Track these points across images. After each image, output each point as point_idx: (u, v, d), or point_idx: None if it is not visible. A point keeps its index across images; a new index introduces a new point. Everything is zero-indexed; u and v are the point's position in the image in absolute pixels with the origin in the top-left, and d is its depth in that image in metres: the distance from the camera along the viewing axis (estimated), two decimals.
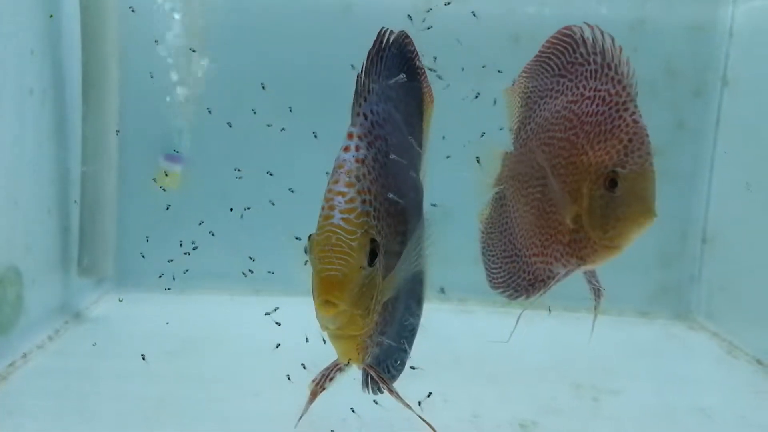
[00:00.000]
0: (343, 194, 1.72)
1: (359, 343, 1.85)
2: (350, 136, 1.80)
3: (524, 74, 2.48)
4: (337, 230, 1.67)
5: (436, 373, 3.10)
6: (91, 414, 2.86)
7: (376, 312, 1.80)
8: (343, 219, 1.69)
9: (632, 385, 3.40)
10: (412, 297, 2.12)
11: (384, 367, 2.08)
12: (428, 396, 2.16)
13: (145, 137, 4.32)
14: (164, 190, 3.84)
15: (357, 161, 1.77)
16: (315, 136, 2.29)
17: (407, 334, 2.15)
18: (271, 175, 2.71)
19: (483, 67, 2.64)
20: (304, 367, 2.10)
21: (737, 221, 4.27)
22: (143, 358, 2.70)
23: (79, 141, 3.92)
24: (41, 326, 3.63)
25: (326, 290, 1.65)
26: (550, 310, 2.47)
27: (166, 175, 4.27)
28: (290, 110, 2.63)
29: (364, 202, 1.73)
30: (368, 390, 2.11)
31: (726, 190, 4.40)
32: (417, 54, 2.15)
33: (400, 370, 2.15)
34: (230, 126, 2.97)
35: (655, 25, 4.36)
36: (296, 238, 1.81)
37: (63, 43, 3.84)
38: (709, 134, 4.47)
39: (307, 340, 2.08)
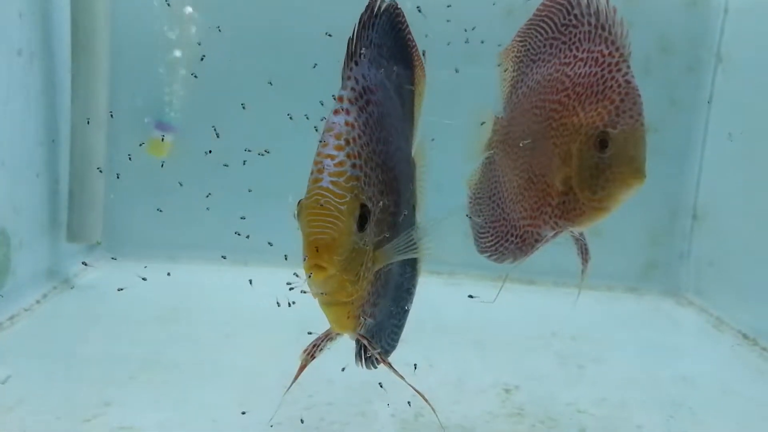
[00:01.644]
0: (332, 157, 1.66)
1: (350, 312, 1.79)
2: (340, 99, 1.74)
3: (517, 38, 2.45)
4: (326, 194, 1.61)
5: (422, 341, 3.14)
6: (76, 373, 2.86)
7: (367, 280, 1.75)
8: (332, 182, 1.63)
9: (617, 355, 3.44)
10: (405, 270, 2.09)
11: (376, 340, 2.03)
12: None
13: (135, 101, 4.27)
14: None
15: (347, 124, 1.71)
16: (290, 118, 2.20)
17: (400, 309, 2.11)
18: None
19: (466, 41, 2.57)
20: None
21: (728, 198, 4.28)
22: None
23: (69, 104, 3.87)
24: (29, 289, 3.62)
25: (315, 254, 1.60)
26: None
27: (157, 141, 4.22)
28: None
29: (354, 166, 1.67)
30: (361, 364, 2.05)
31: (717, 168, 4.41)
32: (408, 26, 2.10)
33: (393, 346, 2.12)
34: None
35: (649, 0, 4.33)
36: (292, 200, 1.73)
37: (52, 4, 3.78)
38: (701, 111, 4.47)
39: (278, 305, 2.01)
